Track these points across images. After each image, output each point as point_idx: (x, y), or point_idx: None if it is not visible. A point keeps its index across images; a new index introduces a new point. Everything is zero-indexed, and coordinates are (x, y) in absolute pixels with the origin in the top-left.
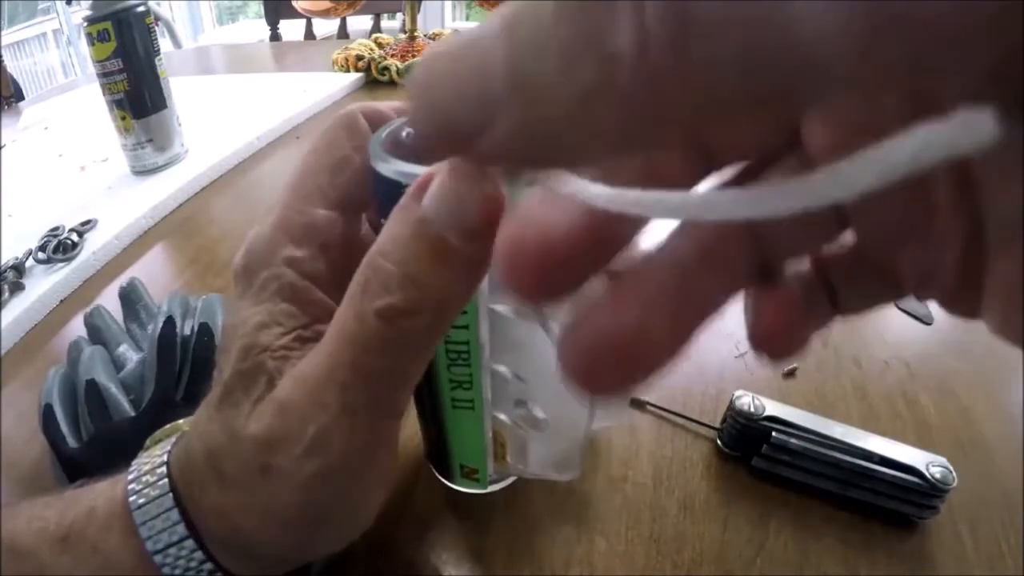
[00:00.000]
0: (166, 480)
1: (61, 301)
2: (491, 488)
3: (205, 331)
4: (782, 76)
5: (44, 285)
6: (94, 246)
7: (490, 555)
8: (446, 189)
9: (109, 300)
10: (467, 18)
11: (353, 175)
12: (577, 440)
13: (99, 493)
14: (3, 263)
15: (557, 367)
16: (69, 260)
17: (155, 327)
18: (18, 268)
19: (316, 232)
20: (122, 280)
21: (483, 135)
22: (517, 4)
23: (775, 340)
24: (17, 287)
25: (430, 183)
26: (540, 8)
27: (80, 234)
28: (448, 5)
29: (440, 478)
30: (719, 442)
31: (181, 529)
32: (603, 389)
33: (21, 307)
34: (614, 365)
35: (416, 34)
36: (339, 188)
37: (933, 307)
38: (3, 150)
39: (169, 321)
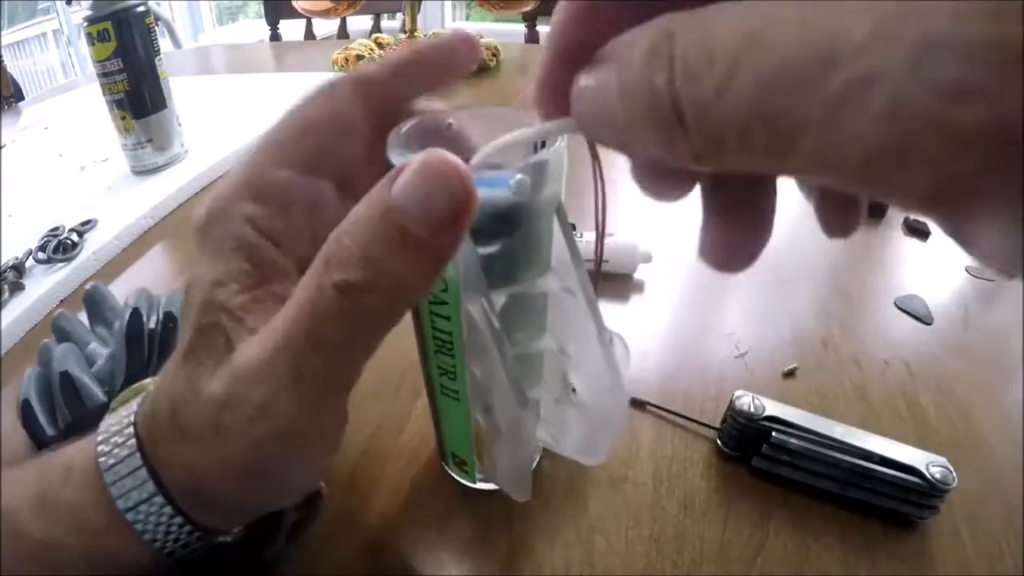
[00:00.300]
0: (134, 440)
1: (61, 301)
2: (480, 484)
3: (170, 318)
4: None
5: (44, 285)
6: (94, 246)
7: (490, 555)
8: (415, 181)
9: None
10: (467, 18)
11: (322, 139)
12: (613, 426)
13: (75, 453)
14: (3, 263)
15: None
16: (69, 260)
17: (122, 321)
18: (18, 268)
19: (278, 192)
20: (127, 281)
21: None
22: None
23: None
24: (17, 287)
25: (399, 172)
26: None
27: (80, 234)
28: (448, 5)
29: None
30: (719, 442)
31: (150, 486)
32: None
33: (21, 307)
34: None
35: (416, 34)
36: (305, 151)
37: (934, 308)
38: (3, 150)
39: (135, 313)
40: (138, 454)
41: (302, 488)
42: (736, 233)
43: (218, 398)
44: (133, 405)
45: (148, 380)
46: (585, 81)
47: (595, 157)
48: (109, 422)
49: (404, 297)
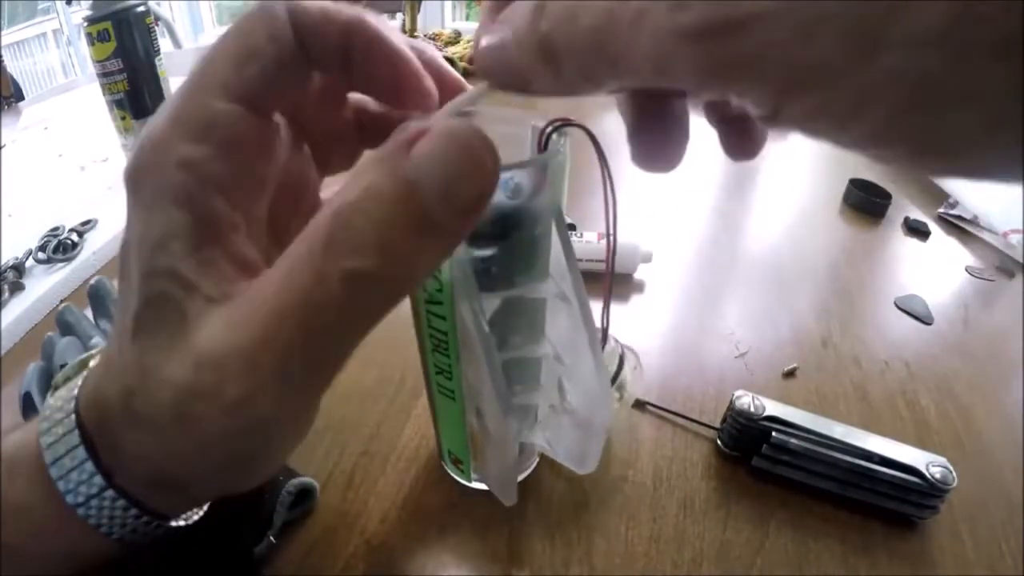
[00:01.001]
0: (76, 431)
1: (61, 301)
2: (476, 484)
3: None
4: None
5: (44, 285)
6: (94, 246)
7: (490, 555)
8: (440, 153)
9: None
10: (467, 18)
11: (265, 66)
12: (598, 435)
13: (16, 447)
14: (3, 263)
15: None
16: (69, 260)
17: None
18: (18, 268)
19: (216, 128)
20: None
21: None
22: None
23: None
24: (17, 287)
25: (421, 136)
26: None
27: (80, 234)
28: (448, 5)
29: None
30: (719, 442)
31: (99, 480)
32: None
33: (21, 307)
34: None
35: (416, 34)
36: (247, 80)
37: (934, 308)
38: (3, 150)
39: None
40: (82, 447)
41: (266, 475)
42: (656, 139)
43: (181, 385)
44: (74, 387)
45: (91, 353)
46: (487, 40)
47: (601, 156)
48: (52, 405)
49: (414, 286)
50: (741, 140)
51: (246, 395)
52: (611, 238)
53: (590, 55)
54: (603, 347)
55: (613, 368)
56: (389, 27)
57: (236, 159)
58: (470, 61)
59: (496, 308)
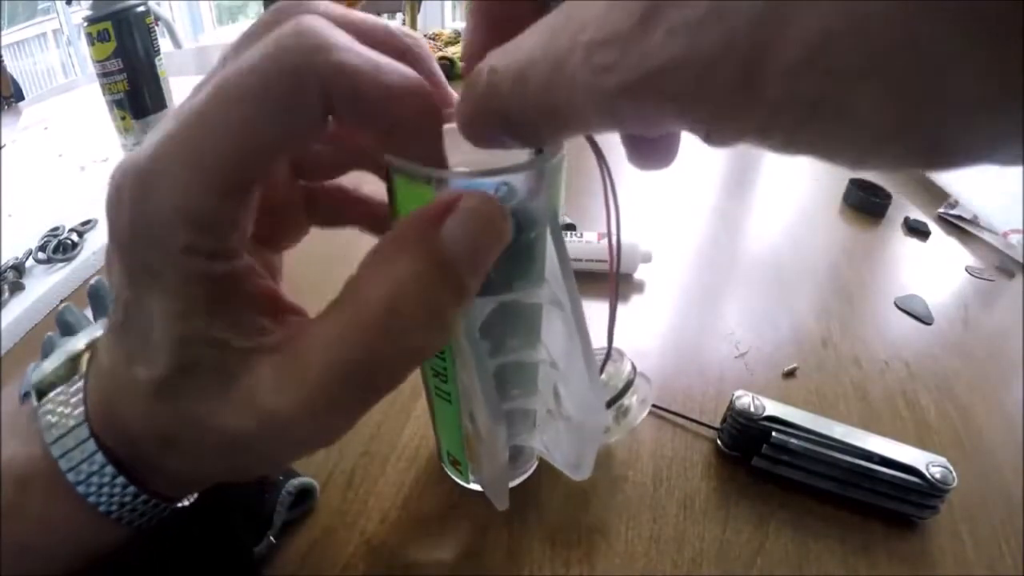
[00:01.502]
0: (104, 461)
1: (61, 301)
2: (474, 485)
3: None
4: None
5: (44, 285)
6: (94, 246)
7: (490, 555)
8: (473, 232)
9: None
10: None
11: (278, 149)
12: (591, 442)
13: (25, 464)
14: (3, 263)
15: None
16: (69, 260)
17: None
18: (18, 268)
19: (222, 222)
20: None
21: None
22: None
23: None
24: (17, 287)
25: (444, 213)
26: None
27: (80, 234)
28: (448, 5)
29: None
30: (719, 442)
31: (111, 469)
32: None
33: (21, 307)
34: None
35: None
36: (251, 166)
37: (934, 308)
38: (3, 150)
39: None
40: (121, 477)
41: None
42: (649, 139)
43: (240, 433)
44: (79, 411)
45: (80, 347)
46: (458, 118)
47: (604, 167)
48: (60, 439)
49: (445, 343)
50: (644, 154)
51: (306, 434)
52: (615, 264)
53: (542, 119)
54: (606, 363)
55: (619, 386)
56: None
57: (241, 232)
58: None
59: (491, 312)
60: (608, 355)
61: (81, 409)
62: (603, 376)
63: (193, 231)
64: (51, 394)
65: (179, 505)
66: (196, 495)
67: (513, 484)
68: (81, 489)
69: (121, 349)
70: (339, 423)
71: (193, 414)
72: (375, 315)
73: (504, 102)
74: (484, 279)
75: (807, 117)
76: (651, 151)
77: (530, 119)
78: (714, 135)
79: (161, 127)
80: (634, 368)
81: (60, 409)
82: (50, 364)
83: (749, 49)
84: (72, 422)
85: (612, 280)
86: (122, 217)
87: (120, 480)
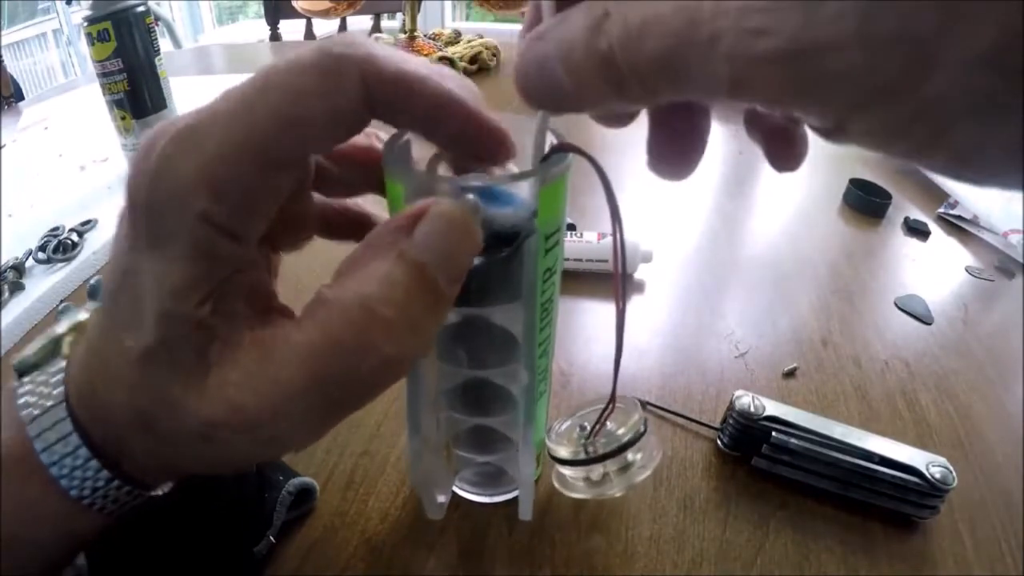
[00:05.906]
0: (84, 449)
1: (61, 301)
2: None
3: None
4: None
5: (44, 285)
6: (94, 246)
7: (490, 556)
8: (442, 235)
9: None
10: (467, 18)
11: (314, 138)
12: (527, 487)
13: (3, 447)
14: (3, 263)
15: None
16: (69, 260)
17: None
18: (18, 268)
19: (243, 193)
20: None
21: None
22: None
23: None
24: (17, 287)
25: (414, 219)
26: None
27: (80, 234)
28: (448, 5)
29: None
30: (719, 442)
31: (87, 455)
32: None
33: (21, 307)
34: None
35: (416, 34)
36: (282, 151)
37: (934, 308)
38: (3, 150)
39: None
40: (94, 461)
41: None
42: (676, 150)
43: (213, 419)
44: (57, 371)
45: (62, 331)
46: (529, 56)
47: (608, 189)
48: (39, 420)
49: (426, 352)
50: (785, 151)
51: (275, 434)
52: (621, 305)
53: (658, 76)
54: (607, 411)
55: (623, 439)
56: (468, 90)
57: (251, 214)
58: (471, 61)
59: (456, 323)
60: (611, 402)
61: (60, 389)
62: (609, 425)
63: (213, 198)
64: (31, 375)
65: (176, 504)
66: (190, 494)
67: (495, 500)
68: (54, 471)
69: (110, 318)
70: (307, 429)
71: (170, 393)
72: (350, 319)
73: (612, 46)
74: (458, 286)
75: (966, 112)
76: (677, 161)
77: (643, 73)
78: (845, 129)
79: (205, 104)
80: (645, 423)
81: (40, 389)
82: (32, 348)
83: (934, 36)
84: (50, 402)
85: (619, 325)
86: (146, 173)
87: (93, 464)
